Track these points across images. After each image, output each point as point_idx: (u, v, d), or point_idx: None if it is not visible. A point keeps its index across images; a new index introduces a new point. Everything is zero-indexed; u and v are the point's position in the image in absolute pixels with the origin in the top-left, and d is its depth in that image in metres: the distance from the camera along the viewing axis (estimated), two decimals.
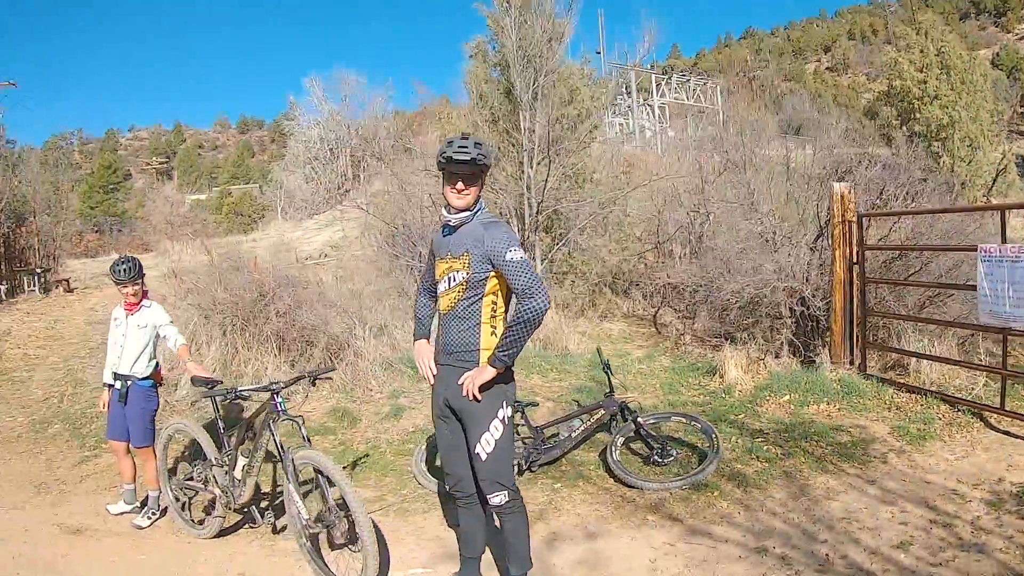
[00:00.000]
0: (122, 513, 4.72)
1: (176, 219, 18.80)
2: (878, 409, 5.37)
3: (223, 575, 3.85)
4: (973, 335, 5.92)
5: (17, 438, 6.36)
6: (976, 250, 4.85)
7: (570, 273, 8.41)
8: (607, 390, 5.13)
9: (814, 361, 6.29)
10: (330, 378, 4.29)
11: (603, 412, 4.99)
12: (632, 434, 4.85)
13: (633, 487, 4.37)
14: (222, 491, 4.22)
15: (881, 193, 6.13)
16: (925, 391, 5.40)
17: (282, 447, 3.77)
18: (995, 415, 4.79)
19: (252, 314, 7.01)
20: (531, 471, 4.75)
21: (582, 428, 4.94)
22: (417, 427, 5.85)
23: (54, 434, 6.36)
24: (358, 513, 3.31)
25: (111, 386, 4.65)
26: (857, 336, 6.08)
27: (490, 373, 2.90)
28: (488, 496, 2.99)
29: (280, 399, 3.84)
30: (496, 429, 2.96)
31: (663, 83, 32.99)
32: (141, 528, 4.51)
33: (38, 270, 11.92)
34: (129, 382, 4.57)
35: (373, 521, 3.51)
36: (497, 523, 3.15)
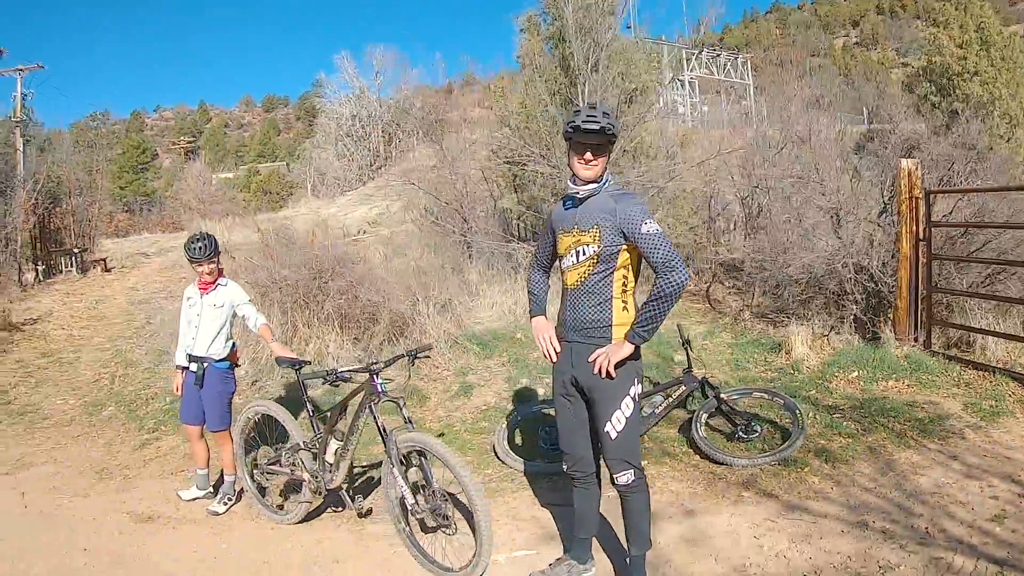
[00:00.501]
0: (195, 499, 4.69)
1: (207, 197, 18.98)
2: (947, 386, 5.52)
3: (314, 561, 3.84)
4: None
5: (71, 421, 6.50)
6: None
7: None
8: (686, 366, 5.28)
9: (878, 337, 6.43)
10: (428, 356, 4.39)
11: (684, 389, 5.13)
12: (714, 410, 5.03)
13: (721, 463, 4.54)
14: (311, 475, 4.15)
15: (950, 168, 6.19)
16: (993, 368, 5.54)
17: (384, 429, 3.73)
18: None
19: (311, 291, 7.16)
20: None
21: (664, 405, 5.09)
22: (489, 405, 6.03)
23: (109, 417, 6.50)
24: (475, 495, 3.31)
25: (185, 368, 4.58)
26: (922, 313, 6.21)
27: (628, 349, 2.93)
28: (616, 475, 3.04)
29: (380, 379, 3.80)
30: (627, 407, 3.00)
31: (693, 58, 32.56)
32: (218, 514, 4.46)
33: (75, 251, 12.14)
34: (205, 364, 4.51)
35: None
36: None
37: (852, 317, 6.68)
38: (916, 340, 6.19)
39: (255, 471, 4.56)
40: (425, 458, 3.60)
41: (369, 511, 4.23)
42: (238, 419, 4.62)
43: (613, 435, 3.01)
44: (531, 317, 3.35)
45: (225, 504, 4.55)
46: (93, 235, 13.32)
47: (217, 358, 4.53)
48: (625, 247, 2.95)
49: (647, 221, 2.89)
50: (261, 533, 4.24)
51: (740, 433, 4.85)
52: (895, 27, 46.54)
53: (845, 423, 4.99)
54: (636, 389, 3.05)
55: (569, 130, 2.97)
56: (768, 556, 3.47)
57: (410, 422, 3.67)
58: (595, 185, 2.99)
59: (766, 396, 5.14)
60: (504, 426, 5.21)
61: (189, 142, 78.16)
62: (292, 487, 4.67)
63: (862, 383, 5.76)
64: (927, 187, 6.17)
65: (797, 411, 4.82)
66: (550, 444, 5.00)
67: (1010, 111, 11.36)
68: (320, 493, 4.13)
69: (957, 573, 3.17)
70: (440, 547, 3.65)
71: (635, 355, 3.03)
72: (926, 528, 3.57)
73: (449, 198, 9.63)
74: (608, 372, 2.94)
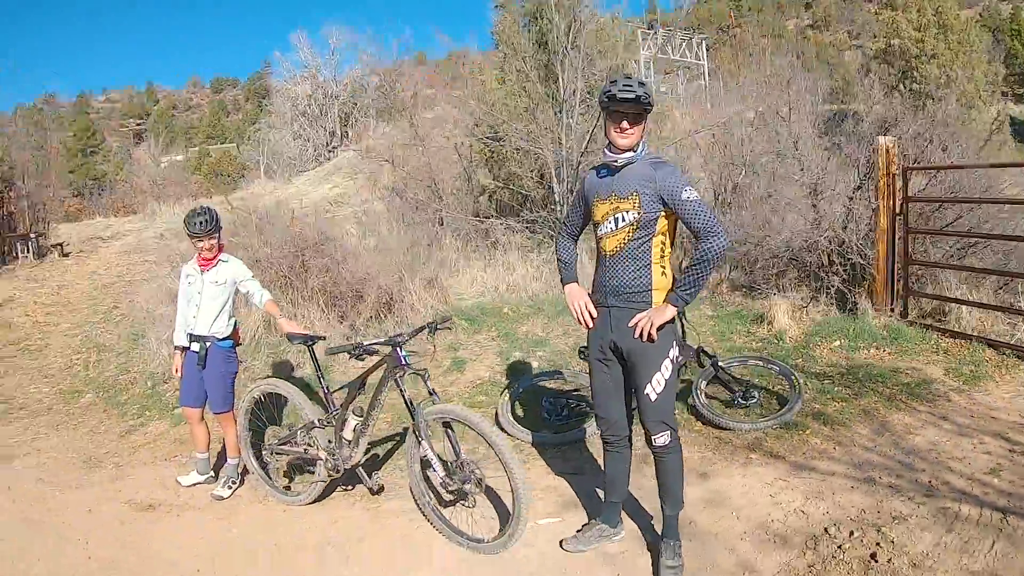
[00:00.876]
0: (195, 484, 4.61)
1: (161, 180, 18.35)
2: (926, 353, 5.84)
3: (329, 541, 3.81)
4: (1008, 283, 6.44)
5: (48, 410, 6.30)
6: None
7: None
8: (680, 336, 5.44)
9: (855, 308, 6.74)
10: (450, 328, 4.37)
11: (681, 358, 5.31)
12: (711, 378, 5.21)
13: (725, 428, 4.72)
14: (328, 454, 4.09)
15: (929, 144, 6.51)
16: (968, 336, 5.88)
17: (411, 402, 3.70)
18: None
19: (294, 269, 7.06)
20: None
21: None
22: (483, 379, 6.09)
23: (88, 404, 6.34)
24: (512, 462, 3.32)
25: (185, 348, 4.48)
26: (899, 284, 6.53)
27: (670, 312, 3.02)
28: (654, 436, 3.14)
29: (404, 352, 3.76)
30: (666, 368, 3.10)
31: (648, 38, 32.86)
32: (222, 499, 4.40)
33: (32, 235, 11.62)
34: (208, 343, 4.41)
35: None
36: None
37: (834, 289, 6.96)
38: (893, 311, 6.51)
39: (263, 452, 4.48)
40: (452, 429, 3.61)
41: (381, 488, 4.23)
42: (242, 399, 4.55)
43: (653, 397, 3.11)
44: (564, 284, 3.40)
45: (229, 488, 4.48)
46: (47, 219, 12.76)
47: (220, 337, 4.44)
48: (663, 213, 3.03)
49: (687, 188, 2.98)
50: (270, 515, 4.20)
51: (739, 399, 5.04)
52: (847, 10, 48.22)
53: (836, 388, 5.23)
54: (675, 352, 3.15)
55: (605, 99, 3.02)
56: (787, 512, 3.64)
57: (435, 394, 3.65)
58: (632, 154, 3.05)
59: (761, 363, 5.35)
60: (507, 399, 5.28)
61: (138, 124, 76.10)
62: (300, 467, 4.63)
63: (845, 352, 6.03)
64: (904, 164, 6.47)
65: (793, 376, 5.04)
66: (554, 415, 5.10)
67: (966, 92, 11.94)
68: (337, 471, 4.07)
69: (964, 521, 3.39)
70: (465, 519, 3.68)
71: (673, 318, 3.11)
72: (929, 481, 3.81)
73: (422, 175, 9.57)
74: (650, 335, 3.02)
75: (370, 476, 4.10)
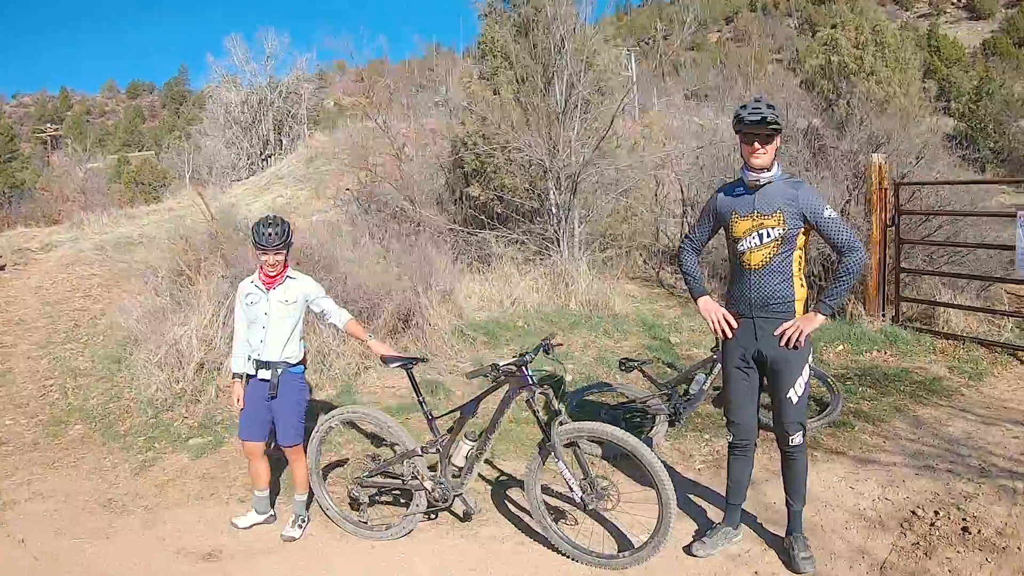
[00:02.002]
0: (253, 525, 4.39)
1: (89, 187, 17.22)
2: (924, 354, 6.65)
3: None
4: (988, 287, 7.43)
5: (34, 445, 5.81)
6: (1015, 216, 6.17)
7: (602, 236, 9.19)
8: (714, 345, 5.93)
9: (847, 315, 7.52)
10: (560, 344, 4.49)
11: (720, 366, 5.80)
12: None
13: (772, 429, 5.25)
14: (435, 483, 4.07)
15: (918, 159, 7.41)
16: (960, 337, 6.75)
17: (547, 422, 3.75)
18: None
19: None
20: (679, 423, 5.47)
21: (707, 381, 5.71)
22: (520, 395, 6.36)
23: (80, 437, 5.92)
24: (663, 476, 3.52)
25: (250, 377, 4.25)
26: (890, 291, 7.38)
27: (820, 320, 3.44)
28: (792, 436, 3.55)
29: (530, 370, 3.83)
30: (806, 373, 3.52)
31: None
32: (294, 539, 4.24)
33: None
34: (280, 370, 4.20)
35: None
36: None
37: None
38: (885, 316, 7.33)
39: (350, 486, 4.37)
40: (578, 447, 3.77)
41: (467, 515, 4.24)
42: (316, 429, 4.40)
43: (795, 400, 3.53)
44: (696, 297, 3.75)
45: (300, 527, 4.32)
46: None
47: (293, 362, 4.27)
48: (803, 230, 3.46)
49: (827, 207, 3.43)
50: (363, 553, 4.13)
51: None
52: (768, 24, 52.00)
53: (861, 388, 5.92)
54: (811, 357, 3.58)
55: (736, 123, 3.44)
56: (872, 500, 4.19)
57: (561, 412, 3.80)
58: (770, 173, 3.45)
59: None
60: (564, 414, 5.56)
61: (55, 129, 71.12)
62: (371, 500, 4.46)
63: (850, 355, 6.77)
64: (894, 179, 7.34)
65: (828, 379, 5.65)
66: (622, 423, 5.45)
67: (903, 107, 13.30)
68: (445, 501, 4.08)
69: (1023, 495, 4.04)
70: (584, 538, 3.89)
71: None
72: (980, 465, 4.47)
73: (406, 186, 9.73)
74: (798, 343, 3.43)
75: (467, 503, 4.10)
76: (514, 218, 9.09)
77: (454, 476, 4.09)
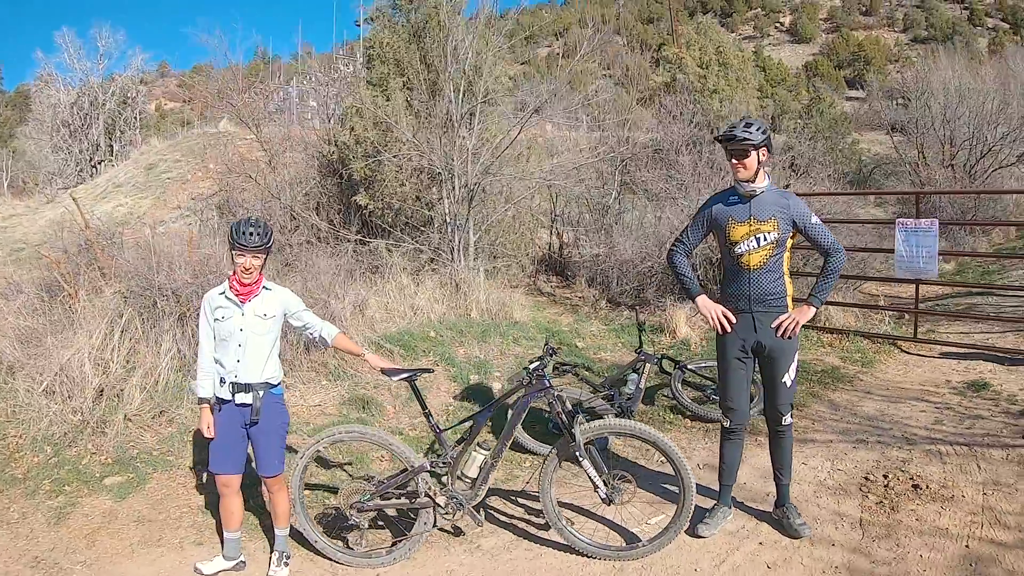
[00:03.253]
0: (218, 572, 4.13)
1: None
2: (815, 348, 7.71)
3: None
4: (860, 285, 8.72)
5: None
6: (895, 224, 7.37)
7: (491, 245, 9.53)
8: (638, 347, 6.50)
9: None
10: (559, 348, 4.63)
11: (649, 365, 6.36)
12: (680, 380, 6.34)
13: (715, 421, 5.88)
14: (448, 498, 4.13)
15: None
16: (843, 331, 7.88)
17: (568, 424, 3.99)
18: (910, 344, 7.41)
19: (197, 299, 6.69)
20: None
21: (642, 380, 6.21)
22: (451, 404, 6.50)
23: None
24: (685, 464, 3.94)
25: (222, 402, 4.00)
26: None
27: (812, 313, 4.07)
28: (784, 416, 4.15)
29: (547, 373, 4.09)
30: (795, 359, 4.15)
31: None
32: None
33: None
34: (261, 393, 3.99)
35: None
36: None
37: (716, 299, 8.65)
38: None
39: (349, 511, 4.23)
40: (593, 445, 4.07)
41: (457, 529, 4.44)
42: (301, 455, 4.26)
43: (788, 383, 4.13)
44: (693, 297, 4.25)
45: (286, 564, 4.14)
46: None
47: (275, 382, 4.09)
48: (791, 234, 4.07)
49: (812, 215, 4.08)
50: None
51: (711, 396, 6.25)
52: (598, 40, 55.56)
53: None
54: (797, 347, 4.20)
55: (719, 142, 4.08)
56: (827, 473, 4.90)
57: (579, 414, 4.10)
58: (763, 184, 4.04)
59: (715, 365, 6.65)
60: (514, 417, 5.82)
61: None
62: (353, 525, 4.38)
63: None
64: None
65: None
66: (558, 427, 5.79)
67: None
68: (456, 516, 4.15)
69: (947, 455, 4.94)
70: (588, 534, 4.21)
71: None
72: (903, 435, 5.36)
73: (276, 192, 9.50)
74: (793, 332, 4.04)
75: (477, 511, 4.20)
76: (406, 228, 9.19)
77: (466, 488, 4.17)
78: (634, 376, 6.27)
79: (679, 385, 6.27)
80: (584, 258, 10.79)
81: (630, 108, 15.63)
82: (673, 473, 4.03)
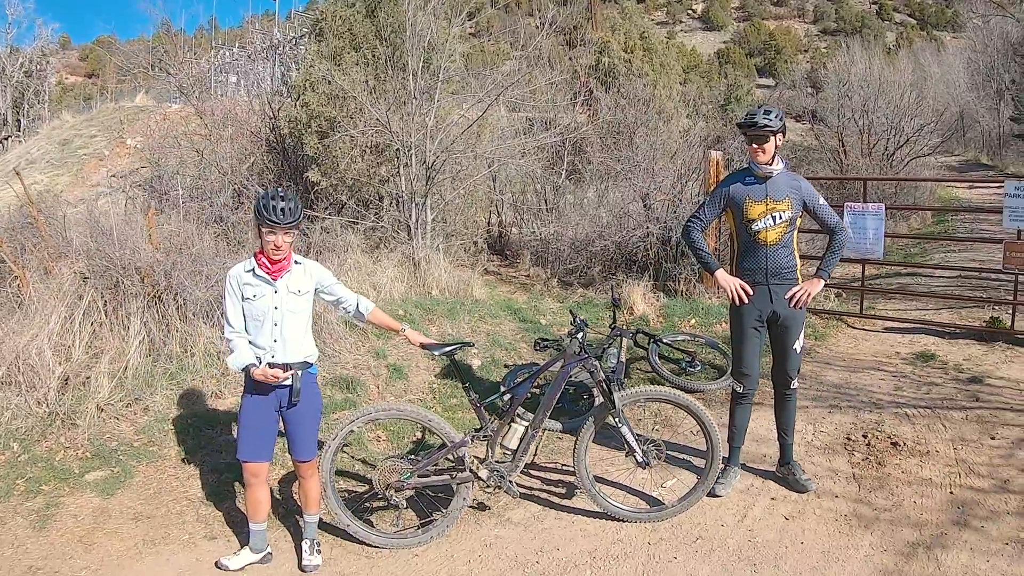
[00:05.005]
0: (245, 566, 4.08)
1: None
2: None
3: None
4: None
5: None
6: (843, 207, 8.03)
7: (443, 223, 9.69)
8: (612, 322, 6.85)
9: (684, 293, 9.00)
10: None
11: (625, 340, 6.74)
12: (656, 354, 6.75)
13: (696, 391, 6.33)
14: (490, 471, 4.26)
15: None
16: None
17: (608, 391, 4.27)
18: (856, 319, 8.12)
19: (169, 279, 6.46)
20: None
21: (621, 354, 6.55)
22: (433, 383, 6.64)
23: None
24: (714, 427, 4.35)
25: (254, 384, 3.91)
26: (727, 270, 9.00)
27: (821, 285, 4.56)
28: (792, 380, 4.66)
29: (584, 339, 4.36)
30: (804, 327, 4.63)
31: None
32: (317, 568, 4.09)
33: None
34: (301, 373, 3.92)
35: None
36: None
37: (665, 277, 9.19)
38: (719, 293, 8.93)
39: (387, 491, 4.28)
40: (620, 417, 4.34)
41: (480, 504, 4.62)
42: (334, 436, 4.26)
43: (798, 349, 4.64)
44: (712, 271, 4.66)
45: (318, 551, 4.15)
46: None
47: (313, 361, 4.06)
48: (801, 213, 4.55)
49: (820, 197, 4.58)
50: (408, 565, 4.16)
51: (687, 368, 6.71)
52: (509, 21, 55.76)
53: None
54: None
55: (739, 127, 4.53)
56: (812, 435, 5.45)
57: (614, 381, 4.44)
58: (778, 167, 4.49)
59: (690, 338, 7.12)
60: (507, 398, 6.05)
61: None
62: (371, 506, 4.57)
63: (703, 327, 8.19)
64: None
65: (719, 345, 6.91)
66: (565, 401, 6.09)
67: (665, 108, 15.72)
68: (499, 488, 4.30)
69: (914, 417, 5.57)
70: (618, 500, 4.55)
71: None
72: (870, 401, 5.97)
73: (217, 168, 9.28)
74: (806, 303, 4.51)
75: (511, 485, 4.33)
76: (359, 206, 9.19)
77: (505, 461, 4.36)
78: (613, 351, 6.62)
79: (656, 358, 6.67)
80: (527, 238, 11.09)
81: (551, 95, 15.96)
82: (703, 436, 4.45)
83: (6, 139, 15.51)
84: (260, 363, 3.88)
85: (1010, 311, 7.21)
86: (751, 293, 4.54)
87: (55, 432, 5.29)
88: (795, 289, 4.52)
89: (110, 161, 11.12)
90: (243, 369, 3.89)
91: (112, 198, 10.52)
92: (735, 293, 4.55)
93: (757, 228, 4.50)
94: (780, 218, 4.47)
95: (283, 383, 3.91)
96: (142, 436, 5.43)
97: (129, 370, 5.97)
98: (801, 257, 4.72)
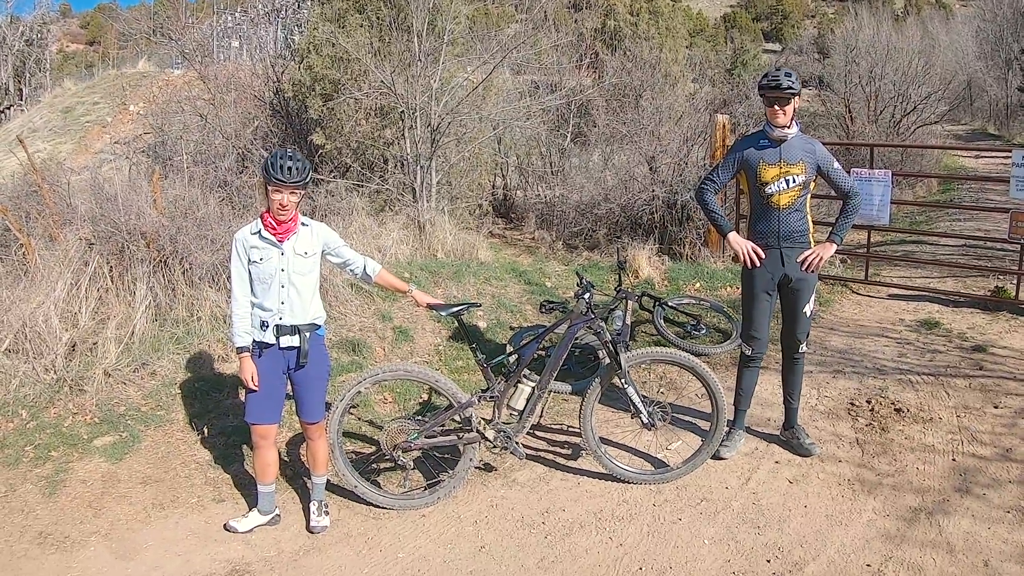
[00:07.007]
0: (254, 528, 4.10)
1: None
2: None
3: (549, 532, 4.07)
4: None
5: None
6: (850, 172, 7.93)
7: (448, 185, 9.62)
8: (618, 285, 6.82)
9: (689, 257, 8.95)
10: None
11: (631, 302, 6.71)
12: (662, 317, 6.73)
13: (703, 354, 6.31)
14: (497, 431, 4.27)
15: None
16: None
17: (615, 352, 4.26)
18: (861, 286, 8.06)
19: (176, 243, 6.43)
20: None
21: (627, 316, 6.54)
22: (440, 344, 6.64)
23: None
24: (719, 388, 4.36)
25: (263, 347, 3.92)
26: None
27: (833, 249, 4.48)
28: (802, 344, 4.63)
29: (591, 299, 4.37)
30: (814, 292, 4.59)
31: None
32: (325, 529, 4.10)
33: None
34: (308, 334, 3.92)
35: None
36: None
37: (670, 240, 9.13)
38: (724, 256, 8.89)
39: (395, 452, 4.29)
40: (626, 380, 4.33)
41: (486, 464, 4.67)
42: (341, 396, 4.26)
43: (809, 313, 4.60)
44: (725, 233, 4.61)
45: (327, 512, 4.18)
46: None
47: (321, 322, 4.06)
48: (815, 177, 4.48)
49: (835, 161, 4.50)
50: (416, 526, 4.19)
51: (692, 331, 6.68)
52: None
53: (738, 318, 7.23)
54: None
55: (760, 90, 4.40)
56: (816, 400, 5.44)
57: (620, 342, 4.37)
58: (792, 130, 4.40)
59: (695, 301, 7.09)
60: (514, 359, 6.04)
61: None
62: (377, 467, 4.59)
63: (708, 291, 8.16)
64: (737, 137, 8.87)
65: (725, 310, 6.89)
66: (571, 363, 6.07)
67: (671, 72, 15.50)
68: (506, 448, 4.31)
69: (917, 383, 5.56)
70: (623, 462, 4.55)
71: None
72: (874, 367, 5.95)
73: (227, 131, 9.19)
74: (818, 266, 4.46)
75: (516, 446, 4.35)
76: (364, 169, 9.11)
77: (511, 421, 4.36)
78: (618, 313, 6.60)
79: (661, 321, 6.65)
80: (532, 201, 11.01)
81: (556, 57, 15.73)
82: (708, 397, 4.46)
83: (9, 108, 15.33)
84: (268, 326, 3.90)
85: (1015, 281, 7.15)
86: (763, 256, 4.50)
87: (63, 398, 5.28)
88: (807, 252, 4.48)
89: (113, 128, 11.02)
90: (237, 350, 3.94)
91: (116, 164, 10.42)
92: (747, 256, 4.51)
93: (770, 191, 4.44)
94: (793, 181, 4.40)
95: (287, 346, 3.91)
96: (149, 401, 5.42)
97: (136, 335, 5.96)
98: (814, 223, 4.65)
